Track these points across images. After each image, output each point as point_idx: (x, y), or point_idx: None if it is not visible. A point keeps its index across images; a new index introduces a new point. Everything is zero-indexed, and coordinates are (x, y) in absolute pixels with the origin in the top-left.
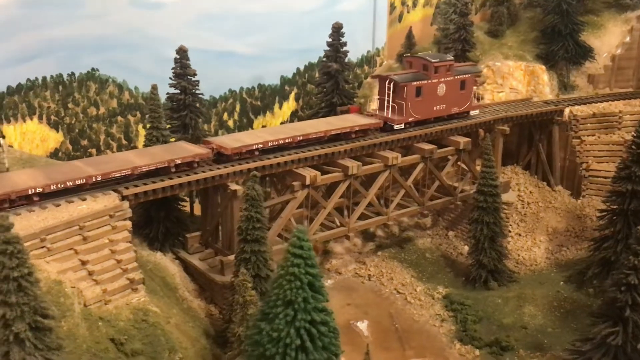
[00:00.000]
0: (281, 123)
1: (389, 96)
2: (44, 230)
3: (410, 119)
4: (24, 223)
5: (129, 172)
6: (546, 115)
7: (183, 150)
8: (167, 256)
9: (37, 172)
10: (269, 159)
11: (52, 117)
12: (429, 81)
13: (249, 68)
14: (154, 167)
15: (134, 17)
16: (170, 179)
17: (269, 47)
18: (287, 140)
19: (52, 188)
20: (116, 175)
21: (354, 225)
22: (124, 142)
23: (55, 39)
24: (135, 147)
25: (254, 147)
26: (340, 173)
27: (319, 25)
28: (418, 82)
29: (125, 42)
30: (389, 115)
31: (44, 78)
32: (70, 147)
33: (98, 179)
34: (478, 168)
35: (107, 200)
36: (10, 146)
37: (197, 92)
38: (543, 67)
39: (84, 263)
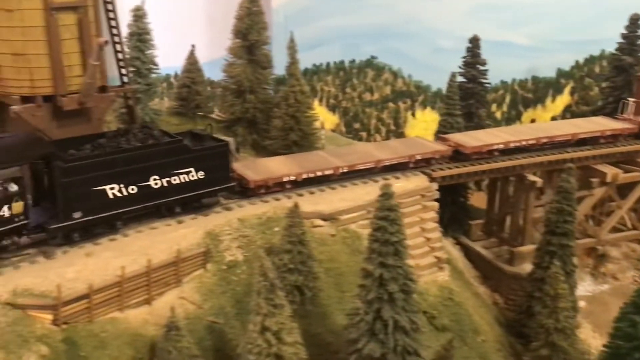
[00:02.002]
0: (552, 118)
1: None
2: (369, 203)
3: None
4: (353, 195)
5: (373, 165)
6: None
7: (421, 145)
8: (448, 240)
9: (288, 160)
10: (559, 153)
11: (331, 101)
12: None
13: (523, 59)
14: (395, 162)
15: (414, 7)
16: (472, 165)
17: (545, 38)
18: (530, 142)
19: (303, 177)
20: (360, 168)
21: None
22: (392, 127)
23: (341, 27)
24: (402, 134)
25: (494, 147)
26: None
27: (606, 16)
28: None
29: (403, 32)
30: None
31: (328, 64)
32: (343, 129)
33: (344, 170)
34: None
35: (419, 180)
36: None
37: (485, 81)
38: None
39: None
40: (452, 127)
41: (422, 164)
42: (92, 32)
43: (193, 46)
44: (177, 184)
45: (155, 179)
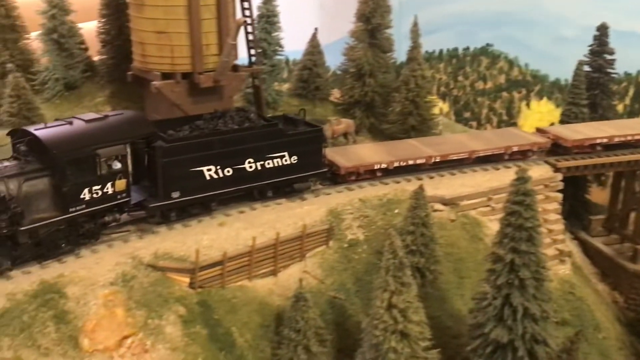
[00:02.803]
0: None
1: None
2: (491, 190)
3: None
4: (473, 181)
5: (467, 156)
6: None
7: (518, 137)
8: (565, 234)
9: (379, 147)
10: None
11: (442, 88)
12: None
13: None
14: (490, 152)
15: None
16: (599, 157)
17: None
18: (636, 137)
19: (395, 165)
20: (454, 158)
21: None
22: (504, 117)
23: (457, 14)
24: (515, 124)
25: (597, 142)
26: None
27: None
28: None
29: (522, 19)
30: None
31: (441, 51)
32: (453, 117)
33: (436, 160)
34: None
35: (542, 170)
36: None
37: (612, 71)
38: None
39: None
40: (576, 117)
41: (518, 156)
42: (229, 12)
43: (316, 29)
44: (271, 167)
45: (250, 162)
